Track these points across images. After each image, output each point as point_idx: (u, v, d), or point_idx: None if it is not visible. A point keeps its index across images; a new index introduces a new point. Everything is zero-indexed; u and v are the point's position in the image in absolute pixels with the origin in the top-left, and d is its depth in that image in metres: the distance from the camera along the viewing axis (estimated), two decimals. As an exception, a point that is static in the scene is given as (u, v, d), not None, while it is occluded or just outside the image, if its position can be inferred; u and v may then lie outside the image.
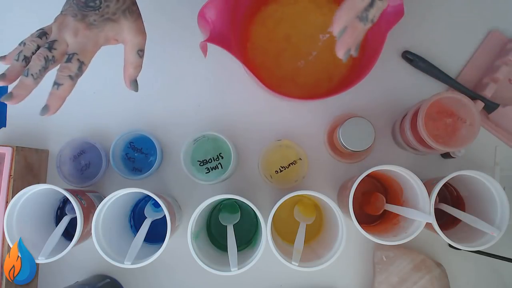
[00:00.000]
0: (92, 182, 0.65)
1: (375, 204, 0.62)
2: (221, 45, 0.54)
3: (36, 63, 0.43)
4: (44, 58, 0.43)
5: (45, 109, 0.45)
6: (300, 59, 0.68)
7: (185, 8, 0.71)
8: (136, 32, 0.47)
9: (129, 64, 0.49)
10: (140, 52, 0.49)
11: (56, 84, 0.43)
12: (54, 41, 0.43)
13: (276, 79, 0.68)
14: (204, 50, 0.57)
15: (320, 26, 0.68)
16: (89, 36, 0.44)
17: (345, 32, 0.45)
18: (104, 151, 0.66)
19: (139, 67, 0.49)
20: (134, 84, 0.50)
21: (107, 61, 0.71)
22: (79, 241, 0.57)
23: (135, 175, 0.66)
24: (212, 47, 0.55)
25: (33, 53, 0.44)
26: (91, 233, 0.55)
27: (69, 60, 0.43)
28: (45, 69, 0.43)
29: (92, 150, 0.67)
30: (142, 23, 0.49)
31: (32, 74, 0.43)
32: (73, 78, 0.44)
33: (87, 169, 0.67)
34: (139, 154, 0.68)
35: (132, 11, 0.47)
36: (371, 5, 0.44)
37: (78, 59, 0.43)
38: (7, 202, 0.60)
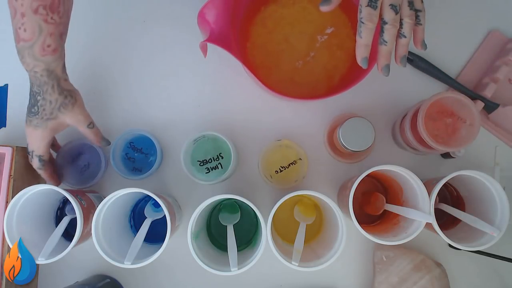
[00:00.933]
0: (92, 183, 0.65)
1: (375, 204, 0.62)
2: (221, 45, 0.54)
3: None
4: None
5: None
6: (299, 59, 0.68)
7: (185, 8, 0.71)
8: (76, 117, 0.58)
9: (89, 136, 0.61)
10: (90, 125, 0.60)
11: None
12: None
13: (276, 79, 0.68)
14: (204, 50, 0.57)
15: (319, 26, 0.68)
16: (37, 137, 0.57)
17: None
18: (103, 152, 0.66)
19: (98, 133, 0.62)
20: (105, 141, 0.63)
21: (107, 62, 0.72)
22: (79, 242, 0.57)
23: (135, 175, 0.66)
24: (212, 47, 0.55)
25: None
26: (91, 234, 0.55)
27: (30, 156, 0.59)
28: None
29: (91, 151, 0.67)
30: (79, 106, 0.58)
31: None
32: (41, 168, 0.60)
33: (87, 170, 0.67)
34: (139, 154, 0.68)
35: (65, 105, 0.56)
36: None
37: (35, 155, 0.58)
38: (7, 202, 0.60)
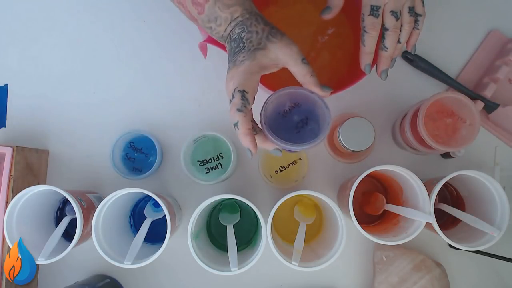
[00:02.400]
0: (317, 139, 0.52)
1: (375, 204, 0.62)
2: (221, 46, 0.54)
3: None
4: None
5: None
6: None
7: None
8: (287, 47, 0.46)
9: (304, 76, 0.46)
10: (304, 60, 0.46)
11: (234, 124, 0.44)
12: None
13: (276, 79, 0.68)
14: (204, 51, 0.57)
15: (320, 27, 0.68)
16: (242, 71, 0.44)
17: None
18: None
19: (312, 73, 0.46)
20: (325, 88, 0.47)
21: (107, 62, 0.72)
22: (79, 242, 0.57)
23: (135, 175, 0.66)
24: (212, 47, 0.55)
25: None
26: (91, 234, 0.55)
27: (232, 97, 0.44)
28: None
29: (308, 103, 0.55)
30: (288, 37, 0.47)
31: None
32: (242, 110, 0.43)
33: (304, 126, 0.56)
34: (139, 154, 0.68)
35: (274, 33, 0.46)
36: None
37: (238, 90, 0.43)
38: (7, 202, 0.60)
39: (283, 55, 0.45)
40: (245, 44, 0.45)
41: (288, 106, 0.46)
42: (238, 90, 0.43)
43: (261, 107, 0.44)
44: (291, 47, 0.46)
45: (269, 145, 0.45)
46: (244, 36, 0.46)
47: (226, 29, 0.47)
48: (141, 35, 0.72)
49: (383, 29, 0.49)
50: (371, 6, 0.48)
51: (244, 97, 0.43)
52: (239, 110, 0.43)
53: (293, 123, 0.46)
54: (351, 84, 0.58)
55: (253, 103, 0.45)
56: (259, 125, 0.45)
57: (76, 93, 0.71)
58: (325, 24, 0.68)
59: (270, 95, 0.45)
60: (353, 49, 0.68)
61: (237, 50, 0.46)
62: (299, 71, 0.45)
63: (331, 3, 0.51)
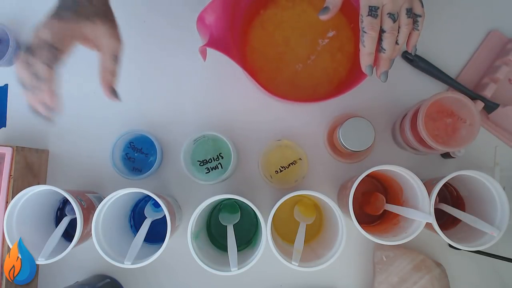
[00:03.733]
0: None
1: (375, 204, 0.62)
2: (220, 50, 0.54)
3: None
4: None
5: None
6: (299, 62, 0.68)
7: (185, 7, 0.71)
8: (111, 36, 0.49)
9: (105, 70, 0.49)
10: (115, 58, 0.49)
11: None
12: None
13: (276, 82, 0.68)
14: (204, 54, 0.57)
15: (320, 30, 0.68)
16: (63, 27, 0.46)
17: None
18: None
19: (114, 74, 0.49)
20: (114, 92, 0.50)
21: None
22: (79, 242, 0.57)
23: (135, 175, 0.66)
24: (211, 51, 0.55)
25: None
26: (91, 234, 0.55)
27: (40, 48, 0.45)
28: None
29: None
30: (118, 31, 0.50)
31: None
32: (49, 65, 0.45)
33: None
34: (139, 154, 0.68)
35: (107, 17, 0.49)
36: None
37: (52, 46, 0.45)
38: (7, 202, 0.60)
39: (103, 38, 0.49)
40: (77, 7, 0.47)
41: None
42: (52, 46, 0.45)
43: None
44: (113, 38, 0.49)
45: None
46: None
47: None
48: (141, 35, 0.72)
49: (381, 31, 0.49)
50: (369, 6, 0.48)
51: (55, 55, 0.46)
52: (46, 64, 0.45)
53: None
54: (352, 87, 0.58)
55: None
56: None
57: (76, 93, 0.71)
58: (325, 26, 0.68)
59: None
60: (353, 52, 0.68)
61: (67, 4, 0.47)
62: (104, 63, 0.49)
63: (329, 3, 0.51)
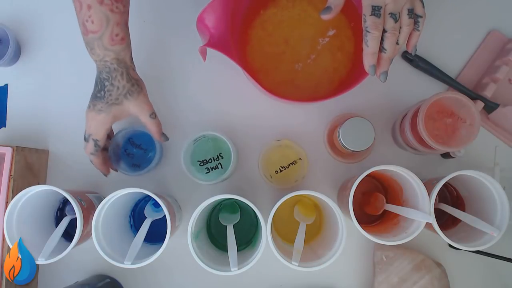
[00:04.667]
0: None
1: (375, 204, 0.62)
2: (220, 50, 0.54)
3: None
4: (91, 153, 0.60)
5: None
6: (299, 62, 0.68)
7: (185, 7, 0.71)
8: (140, 105, 0.58)
9: (150, 127, 0.59)
10: (152, 115, 0.59)
11: (90, 160, 0.60)
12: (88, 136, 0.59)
13: (276, 82, 0.68)
14: (203, 54, 0.57)
15: (319, 29, 0.68)
16: (98, 121, 0.57)
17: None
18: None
19: (159, 124, 0.60)
20: (164, 136, 0.61)
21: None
22: (79, 242, 0.57)
23: (134, 171, 0.66)
24: (211, 50, 0.55)
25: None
26: (91, 234, 0.55)
27: (86, 140, 0.58)
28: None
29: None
30: (144, 95, 0.59)
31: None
32: (94, 154, 0.59)
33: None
34: (138, 150, 0.68)
35: (132, 92, 0.56)
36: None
37: (92, 139, 0.58)
38: (7, 202, 0.60)
39: (134, 111, 0.58)
40: (105, 95, 0.56)
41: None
42: (92, 139, 0.58)
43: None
44: (143, 106, 0.58)
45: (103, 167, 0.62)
46: (107, 86, 0.56)
47: (96, 61, 0.56)
48: (141, 35, 0.72)
49: (382, 31, 0.49)
50: (372, 6, 0.48)
51: (97, 144, 0.58)
52: (92, 153, 0.59)
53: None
54: (352, 87, 0.58)
55: (103, 143, 0.59)
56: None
57: (76, 93, 0.71)
58: (325, 26, 0.68)
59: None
60: (353, 51, 0.68)
61: (98, 95, 0.56)
62: (147, 123, 0.59)
63: (331, 3, 0.51)
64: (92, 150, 0.58)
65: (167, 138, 0.61)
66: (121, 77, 0.56)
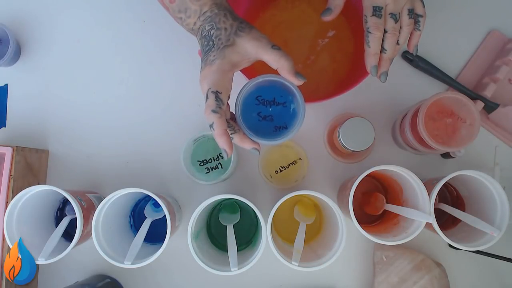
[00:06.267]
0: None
1: (375, 204, 0.62)
2: None
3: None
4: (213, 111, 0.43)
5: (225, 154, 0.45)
6: (298, 63, 0.68)
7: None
8: (257, 38, 0.45)
9: (277, 61, 0.45)
10: (274, 46, 0.45)
11: (210, 126, 0.43)
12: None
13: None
14: None
15: (319, 30, 0.68)
16: (214, 70, 0.44)
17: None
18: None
19: (288, 58, 0.45)
20: (300, 76, 0.46)
21: (107, 62, 0.72)
22: (79, 242, 0.57)
23: (280, 135, 0.46)
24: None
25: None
26: (91, 234, 0.55)
27: (207, 97, 0.44)
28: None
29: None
30: (257, 31, 0.47)
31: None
32: (217, 111, 0.43)
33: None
34: (275, 106, 0.47)
35: (242, 28, 0.46)
36: None
37: (211, 91, 0.43)
38: (7, 202, 0.60)
39: (251, 47, 0.45)
40: (214, 42, 0.46)
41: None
42: (212, 91, 0.43)
43: (236, 97, 0.46)
44: (260, 39, 0.45)
45: (246, 145, 0.45)
46: (213, 33, 0.46)
47: (195, 22, 0.48)
48: (141, 35, 0.72)
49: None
50: (373, 7, 0.48)
51: (218, 98, 0.43)
52: (213, 111, 0.43)
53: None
54: (352, 86, 0.58)
55: (228, 101, 0.45)
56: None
57: (76, 93, 0.71)
58: (325, 26, 0.68)
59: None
60: (353, 51, 0.68)
61: (207, 48, 0.46)
62: (272, 58, 0.45)
63: (332, 4, 0.51)
64: (213, 107, 0.42)
65: (304, 78, 0.46)
66: (225, 18, 0.46)
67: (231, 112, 0.47)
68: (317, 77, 0.68)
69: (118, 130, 0.69)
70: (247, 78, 0.60)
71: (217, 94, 0.43)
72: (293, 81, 0.45)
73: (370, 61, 0.51)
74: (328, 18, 0.52)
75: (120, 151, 0.69)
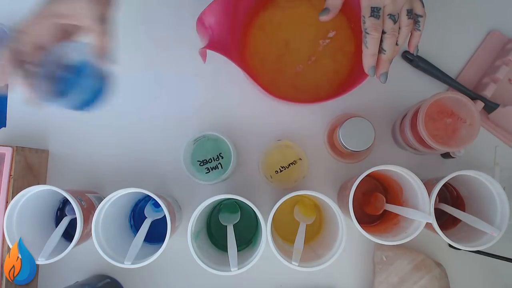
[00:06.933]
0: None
1: (375, 204, 0.62)
2: (220, 52, 0.54)
3: None
4: None
5: None
6: (299, 63, 0.68)
7: (185, 7, 0.71)
8: (90, 1, 0.43)
9: (93, 34, 0.43)
10: (102, 18, 0.43)
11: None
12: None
13: (276, 83, 0.68)
14: (203, 56, 0.57)
15: (320, 30, 0.68)
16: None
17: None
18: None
19: (105, 34, 0.43)
20: (110, 58, 0.45)
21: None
22: (79, 242, 0.57)
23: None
24: (211, 52, 0.55)
25: None
26: (91, 234, 0.55)
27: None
28: None
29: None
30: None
31: None
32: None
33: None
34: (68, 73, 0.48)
35: None
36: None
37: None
38: (7, 202, 0.60)
39: (80, 9, 0.43)
40: None
41: None
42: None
43: None
44: (94, 3, 0.43)
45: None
46: None
47: None
48: (141, 36, 0.72)
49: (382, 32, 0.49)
50: (372, 7, 0.48)
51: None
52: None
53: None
54: (353, 87, 0.58)
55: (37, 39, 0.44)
56: None
57: (76, 93, 0.71)
58: (326, 27, 0.68)
59: None
60: (354, 52, 0.68)
61: None
62: (89, 28, 0.43)
63: (329, 4, 0.51)
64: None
65: (112, 61, 0.45)
66: None
67: None
68: (318, 78, 0.68)
69: (118, 130, 0.69)
70: (247, 78, 0.60)
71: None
72: (102, 62, 0.45)
73: (368, 62, 0.51)
74: (325, 18, 0.52)
75: (120, 151, 0.69)
